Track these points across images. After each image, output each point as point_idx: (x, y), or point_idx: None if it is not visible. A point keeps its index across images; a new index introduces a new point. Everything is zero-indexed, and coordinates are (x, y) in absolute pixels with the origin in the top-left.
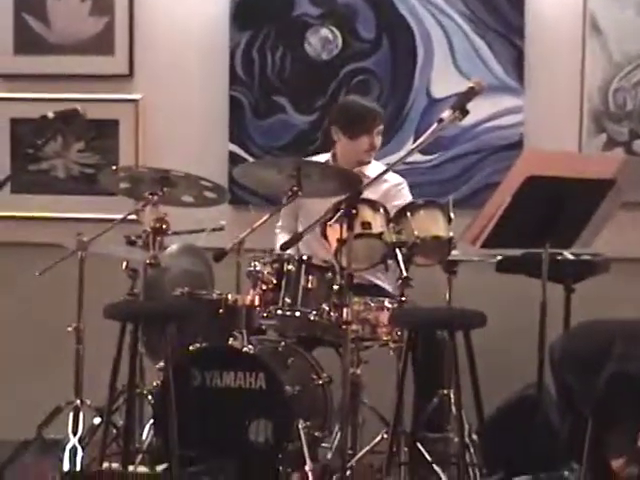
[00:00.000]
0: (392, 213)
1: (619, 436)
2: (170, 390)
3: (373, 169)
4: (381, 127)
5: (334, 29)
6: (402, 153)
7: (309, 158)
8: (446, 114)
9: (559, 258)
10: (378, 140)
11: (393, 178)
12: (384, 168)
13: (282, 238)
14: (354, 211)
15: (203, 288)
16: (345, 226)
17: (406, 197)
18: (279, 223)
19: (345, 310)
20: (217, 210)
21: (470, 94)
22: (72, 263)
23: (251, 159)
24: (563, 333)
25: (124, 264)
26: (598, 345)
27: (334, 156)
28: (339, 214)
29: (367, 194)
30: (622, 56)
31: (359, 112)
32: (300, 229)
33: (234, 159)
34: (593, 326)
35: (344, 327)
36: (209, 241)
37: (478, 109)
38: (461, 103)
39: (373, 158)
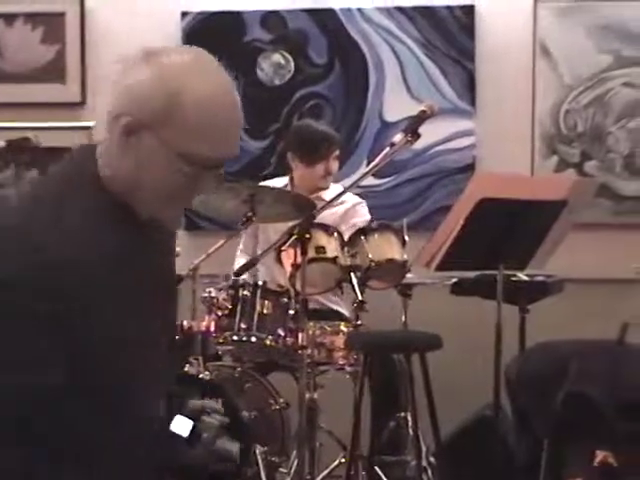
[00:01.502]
0: (351, 232)
1: (575, 456)
2: None
3: (331, 193)
4: (337, 152)
5: (286, 54)
6: (355, 177)
7: (266, 182)
8: (398, 138)
9: (513, 279)
10: (335, 165)
11: (351, 199)
12: (336, 188)
13: (241, 261)
14: (307, 236)
15: None
16: (299, 251)
17: (364, 215)
18: (240, 246)
19: (300, 335)
20: None
21: (422, 118)
22: None
23: None
24: (518, 354)
25: None
26: (553, 366)
27: (292, 180)
28: (292, 239)
29: (325, 217)
30: (572, 78)
31: (314, 139)
32: (259, 253)
33: None
34: (548, 347)
35: (300, 352)
36: None
37: (430, 132)
38: (413, 127)
39: (331, 182)
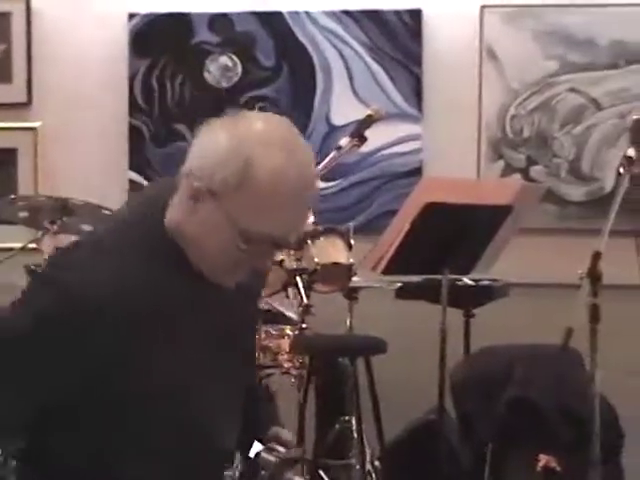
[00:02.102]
0: None
1: (519, 461)
2: None
3: None
4: None
5: (233, 57)
6: None
7: None
8: (344, 141)
9: (458, 284)
10: None
11: None
12: None
13: None
14: None
15: None
16: None
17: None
18: None
19: None
20: None
21: (368, 121)
22: None
23: None
24: (463, 359)
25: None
26: (498, 370)
27: None
28: None
29: None
30: (519, 83)
31: None
32: None
33: (134, 187)
34: (492, 351)
35: None
36: None
37: (377, 136)
38: (359, 130)
39: None
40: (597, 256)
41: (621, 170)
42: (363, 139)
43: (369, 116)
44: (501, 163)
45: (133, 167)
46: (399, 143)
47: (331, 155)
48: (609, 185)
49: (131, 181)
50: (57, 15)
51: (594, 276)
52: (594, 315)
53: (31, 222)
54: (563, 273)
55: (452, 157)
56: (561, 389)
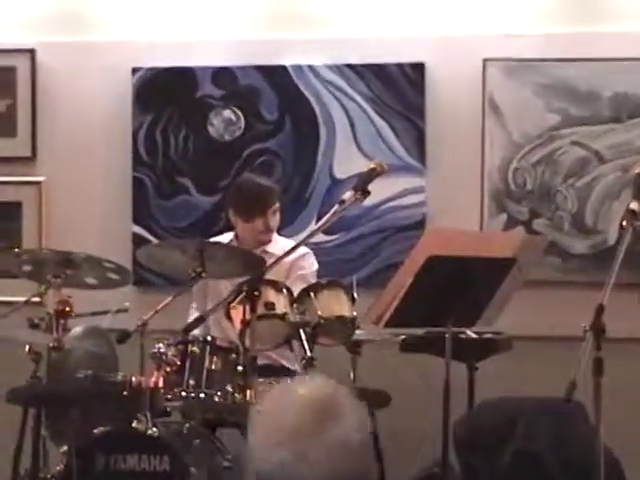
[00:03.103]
0: (297, 284)
1: None
2: (73, 475)
3: (276, 245)
4: (276, 206)
5: (237, 110)
6: (305, 233)
7: (213, 238)
8: (347, 195)
9: (462, 337)
10: (274, 220)
11: (297, 250)
12: (288, 243)
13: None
14: (256, 293)
15: (107, 370)
16: (248, 307)
17: (311, 265)
18: (193, 304)
19: (248, 393)
20: (121, 291)
21: (371, 175)
22: None
23: (155, 240)
24: (466, 412)
25: (27, 347)
26: (501, 423)
27: (236, 236)
28: (241, 296)
29: (272, 270)
30: (521, 136)
31: (251, 194)
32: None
33: (138, 240)
34: (495, 404)
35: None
36: (113, 323)
37: (380, 189)
38: (362, 184)
39: (272, 236)
40: (600, 309)
41: (624, 223)
42: (366, 193)
43: (372, 170)
44: (504, 216)
45: (137, 220)
46: (402, 196)
47: (334, 209)
48: (612, 238)
49: (134, 234)
50: (62, 69)
51: (598, 329)
52: (598, 369)
53: (34, 276)
54: (566, 326)
55: (455, 210)
56: (565, 442)
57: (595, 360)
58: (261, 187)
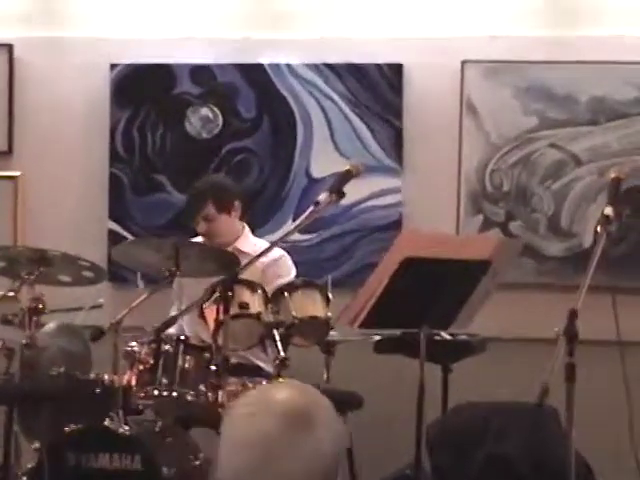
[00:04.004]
0: (273, 290)
1: None
2: (44, 473)
3: (249, 244)
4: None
5: (214, 108)
6: (281, 233)
7: (191, 238)
8: (323, 197)
9: (437, 338)
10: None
11: (272, 252)
12: (261, 242)
13: None
14: (230, 294)
15: (80, 367)
16: (222, 307)
17: (289, 270)
18: (173, 306)
19: (220, 392)
20: (96, 288)
21: (347, 177)
22: None
23: (131, 237)
24: (440, 415)
25: (0, 343)
26: (473, 426)
27: None
28: (214, 296)
29: (245, 273)
30: (499, 137)
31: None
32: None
33: (114, 237)
34: (468, 408)
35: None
36: (88, 319)
37: (357, 189)
38: (338, 186)
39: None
40: (574, 314)
41: (598, 229)
42: (341, 194)
43: (348, 172)
44: (480, 217)
45: (113, 217)
46: (379, 196)
47: (309, 210)
48: (588, 241)
49: (110, 231)
50: (40, 64)
51: (570, 334)
52: (570, 375)
53: (8, 272)
54: (540, 328)
55: (432, 210)
56: (537, 446)
57: (567, 365)
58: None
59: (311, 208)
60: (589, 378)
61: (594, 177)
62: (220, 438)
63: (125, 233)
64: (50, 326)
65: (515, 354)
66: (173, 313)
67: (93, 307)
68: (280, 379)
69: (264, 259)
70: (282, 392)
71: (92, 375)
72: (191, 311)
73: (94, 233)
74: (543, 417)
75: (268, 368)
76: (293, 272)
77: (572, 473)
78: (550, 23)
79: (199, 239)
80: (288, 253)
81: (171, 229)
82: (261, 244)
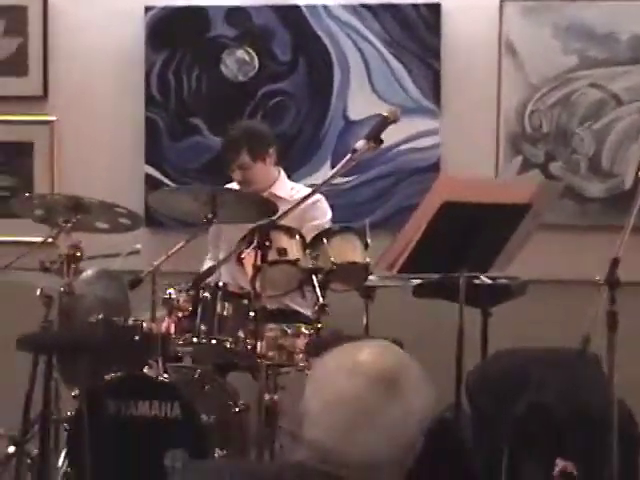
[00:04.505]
0: (313, 232)
1: (535, 466)
2: (84, 421)
3: (284, 188)
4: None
5: (250, 50)
6: (318, 175)
7: (227, 183)
8: (360, 144)
9: (476, 282)
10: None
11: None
12: (295, 186)
13: (206, 266)
14: (267, 243)
15: (119, 314)
16: (260, 254)
17: (325, 212)
18: (208, 254)
19: (259, 343)
20: (133, 234)
21: (384, 123)
22: None
23: (167, 181)
24: (479, 362)
25: (38, 291)
26: (514, 374)
27: None
28: (253, 245)
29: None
30: (538, 78)
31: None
32: (221, 254)
33: (150, 181)
34: (508, 355)
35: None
36: (125, 265)
37: (395, 131)
38: (375, 133)
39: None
40: (615, 262)
41: (639, 173)
42: (379, 142)
43: (385, 118)
44: (520, 159)
45: (149, 161)
46: (417, 138)
47: (346, 158)
48: (629, 182)
49: (147, 175)
50: (73, 9)
51: (612, 283)
52: (612, 323)
53: (46, 220)
54: (581, 270)
55: (470, 152)
56: (578, 394)
57: (609, 313)
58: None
59: (348, 156)
60: (632, 320)
61: (635, 117)
62: (306, 391)
63: (161, 177)
64: (88, 273)
65: (556, 296)
66: (208, 258)
67: (130, 253)
68: (319, 324)
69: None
70: (374, 354)
71: (130, 322)
72: (229, 260)
73: (131, 177)
74: (584, 365)
75: (307, 313)
76: (329, 215)
77: (614, 421)
78: None
79: (234, 184)
80: (325, 197)
81: (207, 172)
82: (298, 188)
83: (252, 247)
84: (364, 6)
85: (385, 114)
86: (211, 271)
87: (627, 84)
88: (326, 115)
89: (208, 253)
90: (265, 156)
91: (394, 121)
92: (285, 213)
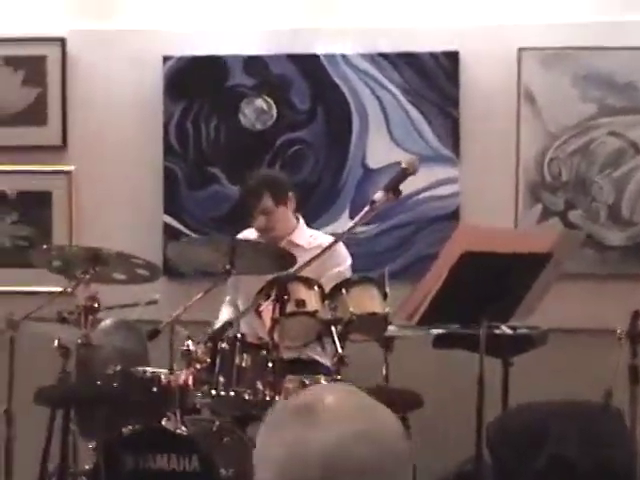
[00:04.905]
0: (334, 280)
1: None
2: (101, 474)
3: (302, 236)
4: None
5: (268, 99)
6: (337, 225)
7: (241, 233)
8: (378, 196)
9: (496, 332)
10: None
11: (326, 240)
12: (314, 234)
13: (224, 313)
14: (286, 297)
15: (137, 364)
16: (278, 305)
17: (345, 260)
18: (226, 297)
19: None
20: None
21: (403, 175)
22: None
23: (186, 230)
24: (500, 414)
25: (56, 342)
26: (535, 428)
27: None
28: (271, 297)
29: (303, 261)
30: (557, 126)
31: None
32: (239, 304)
33: (169, 230)
34: (529, 408)
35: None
36: (144, 314)
37: (414, 180)
38: (394, 184)
39: (273, 235)
40: (636, 315)
41: None
42: (398, 193)
43: (404, 170)
44: (539, 207)
45: (168, 211)
46: (436, 187)
47: (365, 210)
48: None
49: (166, 224)
50: (92, 58)
51: (634, 336)
52: (634, 377)
53: (64, 271)
54: (603, 319)
55: (489, 200)
56: (601, 447)
57: (631, 367)
58: (247, 187)
59: (367, 207)
60: None
61: None
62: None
63: (180, 227)
64: (106, 323)
65: (577, 345)
66: (227, 301)
67: (149, 303)
68: (339, 376)
69: (319, 248)
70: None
71: (149, 374)
72: (249, 312)
73: (149, 227)
74: (607, 418)
75: (326, 363)
76: (349, 260)
77: (637, 476)
78: (608, 8)
79: (250, 232)
80: (344, 245)
81: (226, 222)
82: (316, 235)
83: (270, 300)
84: (382, 55)
85: (404, 165)
86: (229, 325)
87: None
88: (345, 164)
89: (226, 297)
90: (286, 200)
91: (413, 172)
92: (304, 266)
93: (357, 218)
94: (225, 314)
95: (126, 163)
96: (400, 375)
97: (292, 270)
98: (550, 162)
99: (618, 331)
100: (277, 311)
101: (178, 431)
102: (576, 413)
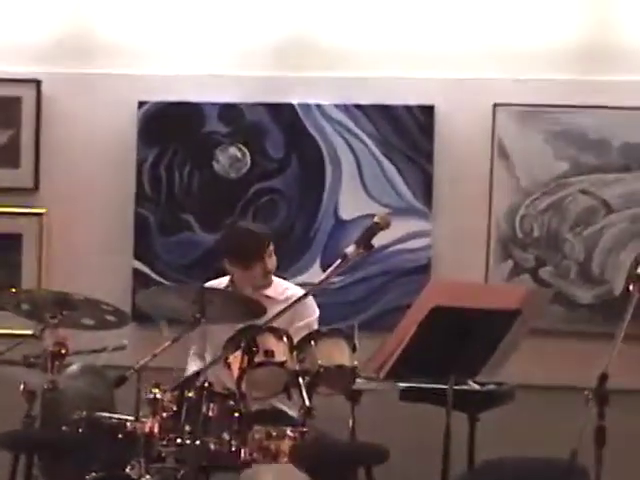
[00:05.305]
0: (301, 332)
1: None
2: None
3: (275, 289)
4: (271, 248)
5: (243, 147)
6: (308, 274)
7: (212, 281)
8: (350, 250)
9: (464, 387)
10: (271, 262)
11: (297, 293)
12: (286, 285)
13: (192, 365)
14: (255, 348)
15: (103, 410)
16: (246, 355)
17: (314, 312)
18: (191, 349)
19: (243, 450)
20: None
21: (375, 230)
22: None
23: (156, 276)
24: (467, 470)
25: (22, 386)
26: None
27: (232, 281)
28: (240, 348)
29: (273, 313)
30: (530, 182)
31: (247, 243)
32: (207, 354)
33: (139, 276)
34: (496, 464)
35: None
36: (111, 360)
37: (386, 232)
38: (366, 239)
39: (271, 278)
40: (604, 378)
41: (630, 287)
42: (369, 247)
43: (376, 224)
44: (510, 263)
45: (138, 256)
46: (408, 239)
47: (336, 263)
48: (618, 288)
49: (135, 270)
50: (67, 101)
51: (601, 398)
52: (600, 439)
53: (32, 315)
54: (570, 376)
55: (461, 255)
56: None
57: (597, 429)
58: (255, 234)
59: (338, 261)
60: (620, 426)
61: (625, 224)
62: None
63: (150, 272)
64: (73, 368)
65: (544, 403)
66: (193, 353)
67: (116, 348)
68: (304, 428)
69: (289, 300)
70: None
71: (114, 420)
72: (218, 362)
73: (119, 272)
74: (572, 478)
75: (293, 414)
76: (317, 312)
77: None
78: (583, 67)
79: (222, 280)
80: (313, 295)
81: (197, 268)
82: (284, 285)
83: (239, 349)
84: (357, 106)
85: (376, 220)
86: (196, 376)
87: (618, 191)
88: (317, 214)
89: (192, 348)
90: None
91: (385, 227)
92: (273, 318)
93: (328, 271)
94: (194, 367)
95: (98, 207)
96: (366, 428)
97: (262, 322)
98: (522, 218)
99: (585, 392)
100: (245, 361)
101: (142, 479)
102: (542, 471)
